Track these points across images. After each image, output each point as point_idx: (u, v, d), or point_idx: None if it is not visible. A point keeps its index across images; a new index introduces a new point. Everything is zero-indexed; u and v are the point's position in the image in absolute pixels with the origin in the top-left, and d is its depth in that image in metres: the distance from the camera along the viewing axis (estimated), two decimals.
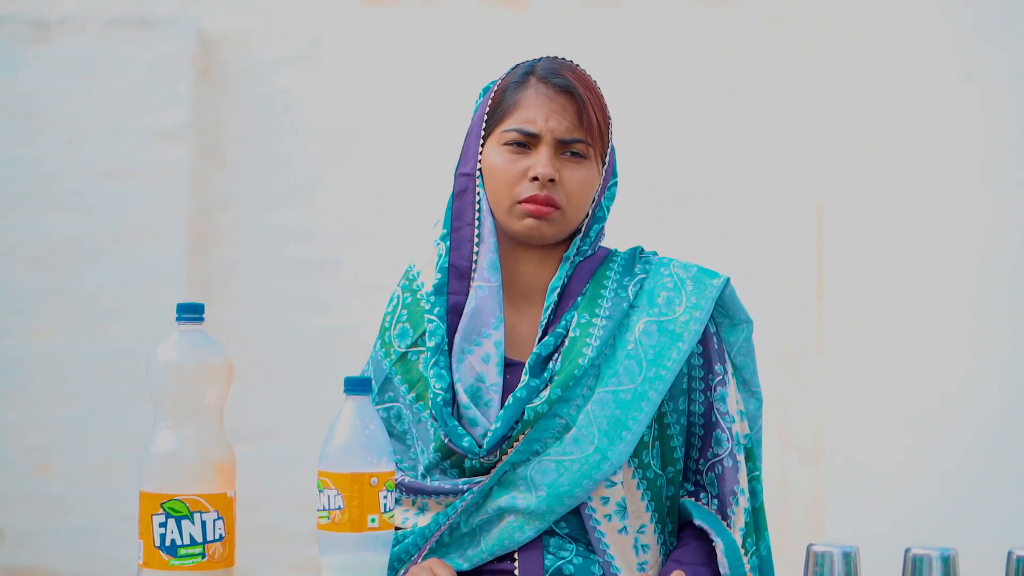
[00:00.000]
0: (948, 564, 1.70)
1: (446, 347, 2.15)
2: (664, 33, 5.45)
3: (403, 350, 2.23)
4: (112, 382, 5.34)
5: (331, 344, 5.42)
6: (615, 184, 2.24)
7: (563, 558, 2.11)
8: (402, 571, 2.14)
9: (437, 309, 2.17)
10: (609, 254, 2.25)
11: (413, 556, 2.14)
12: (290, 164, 5.55)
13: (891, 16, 5.15)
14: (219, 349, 1.87)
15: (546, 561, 2.10)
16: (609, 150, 2.21)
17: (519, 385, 2.12)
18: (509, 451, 2.10)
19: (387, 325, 2.27)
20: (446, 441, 2.12)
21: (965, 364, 5.02)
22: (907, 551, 1.72)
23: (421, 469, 2.19)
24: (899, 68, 5.15)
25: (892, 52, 5.14)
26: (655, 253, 2.28)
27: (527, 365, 2.13)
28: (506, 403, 2.11)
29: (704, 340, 2.19)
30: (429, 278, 2.21)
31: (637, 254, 2.26)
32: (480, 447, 2.10)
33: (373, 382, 2.26)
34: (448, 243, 2.20)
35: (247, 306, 5.51)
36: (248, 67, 5.58)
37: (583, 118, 2.14)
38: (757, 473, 2.24)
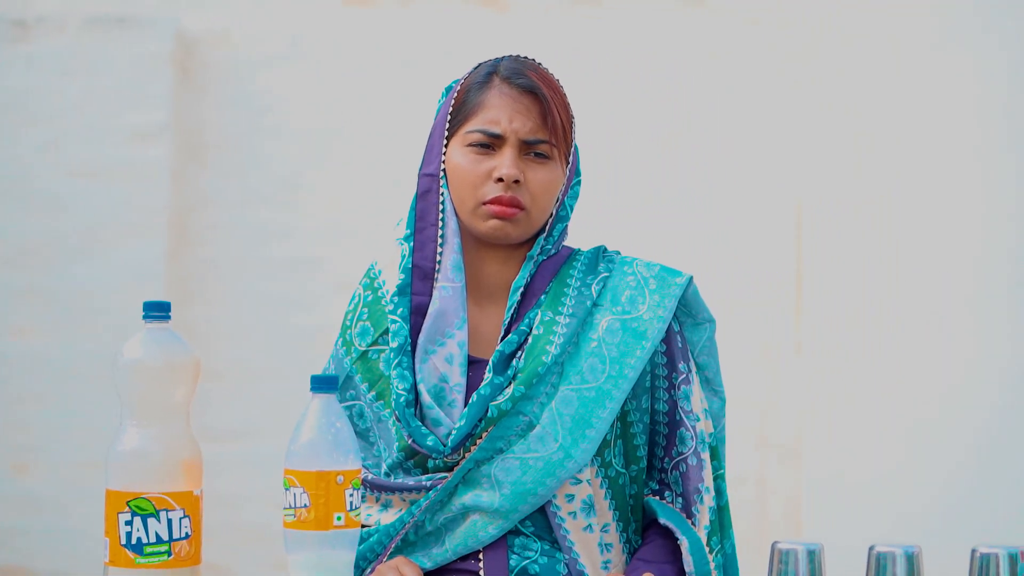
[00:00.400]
0: (912, 562, 1.70)
1: (409, 347, 2.16)
2: (646, 32, 5.45)
3: (364, 348, 2.23)
4: (90, 381, 5.33)
5: (311, 343, 5.40)
6: (578, 183, 2.25)
7: (528, 557, 2.11)
8: (368, 570, 2.14)
9: (400, 310, 2.18)
10: (572, 253, 2.26)
11: (379, 554, 2.14)
12: (270, 163, 5.54)
13: (888, 16, 5.16)
14: (186, 348, 1.87)
15: (511, 561, 2.10)
16: (572, 149, 2.21)
17: (483, 383, 2.12)
18: (472, 448, 2.11)
19: (348, 323, 2.28)
20: (409, 441, 2.12)
21: (949, 364, 5.02)
22: (871, 548, 1.72)
23: (384, 468, 2.19)
24: (893, 67, 5.16)
25: (887, 51, 5.14)
26: (618, 252, 2.28)
27: (491, 362, 2.14)
28: (470, 401, 2.11)
29: (667, 338, 2.20)
30: (392, 278, 2.22)
31: (600, 253, 2.27)
32: (444, 445, 2.10)
33: None
34: (411, 244, 2.20)
35: (227, 305, 5.50)
36: (228, 66, 5.57)
37: (547, 119, 2.14)
38: (721, 472, 2.24)
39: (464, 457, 2.11)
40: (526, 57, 2.22)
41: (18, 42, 5.47)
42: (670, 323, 2.19)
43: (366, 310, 2.25)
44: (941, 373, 5.01)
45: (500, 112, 2.15)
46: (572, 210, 2.24)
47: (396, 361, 2.15)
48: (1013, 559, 1.71)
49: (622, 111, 5.36)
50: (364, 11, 5.58)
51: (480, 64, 2.22)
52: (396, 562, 2.09)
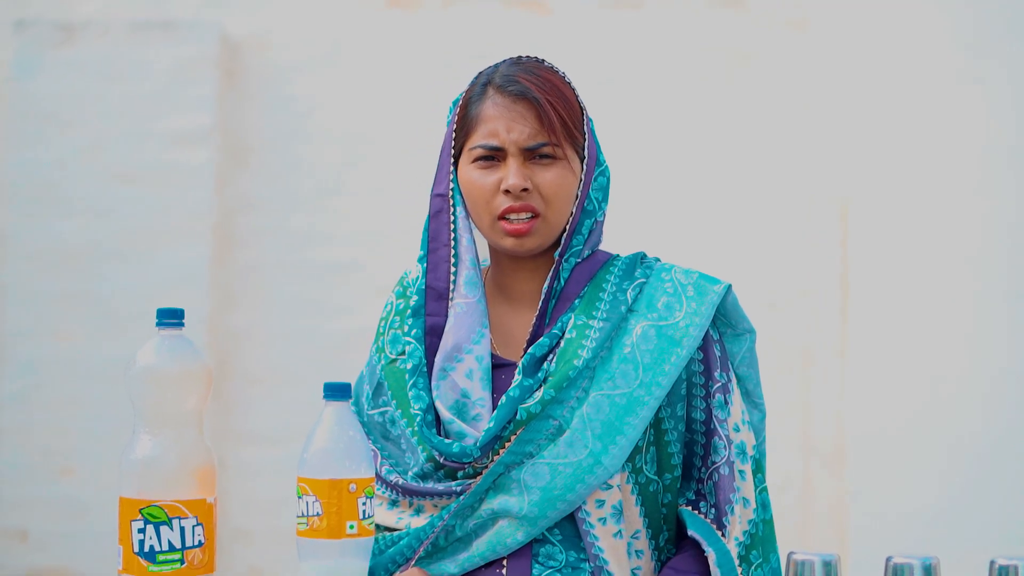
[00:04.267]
0: (930, 573, 1.67)
1: (424, 369, 2.15)
2: (687, 33, 5.43)
3: (393, 357, 2.22)
4: None
5: (350, 347, 5.41)
6: (602, 174, 2.21)
7: (552, 567, 2.08)
8: (396, 573, 2.13)
9: (414, 331, 2.18)
10: (610, 258, 2.23)
11: (408, 558, 2.12)
12: (311, 167, 5.55)
13: (908, 19, 5.12)
14: (198, 355, 1.86)
15: (534, 570, 2.08)
16: (588, 142, 2.18)
17: (512, 384, 2.11)
18: (501, 451, 2.09)
19: (381, 331, 2.28)
20: (437, 455, 2.10)
21: (996, 370, 4.97)
22: (888, 559, 1.69)
23: (411, 474, 2.18)
24: (939, 69, 5.11)
25: (932, 53, 5.11)
26: (657, 259, 2.25)
27: (520, 364, 2.12)
28: (500, 403, 2.09)
29: (705, 346, 2.16)
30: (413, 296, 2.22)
31: (639, 259, 2.23)
32: (472, 451, 2.08)
33: (367, 386, 2.26)
34: (424, 265, 2.20)
35: (267, 309, 5.52)
36: (271, 70, 5.58)
37: (543, 121, 2.12)
38: (764, 486, 2.20)
39: (493, 461, 2.10)
40: (521, 58, 2.19)
41: (63, 47, 5.50)
42: (708, 331, 2.16)
43: (397, 318, 2.25)
44: (988, 379, 4.96)
45: (497, 124, 2.13)
46: (602, 204, 2.21)
47: (411, 382, 2.15)
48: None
49: (663, 112, 5.33)
50: (405, 14, 5.58)
51: (480, 74, 2.21)
52: (411, 573, 2.07)
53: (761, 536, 2.14)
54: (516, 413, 2.08)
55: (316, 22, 5.61)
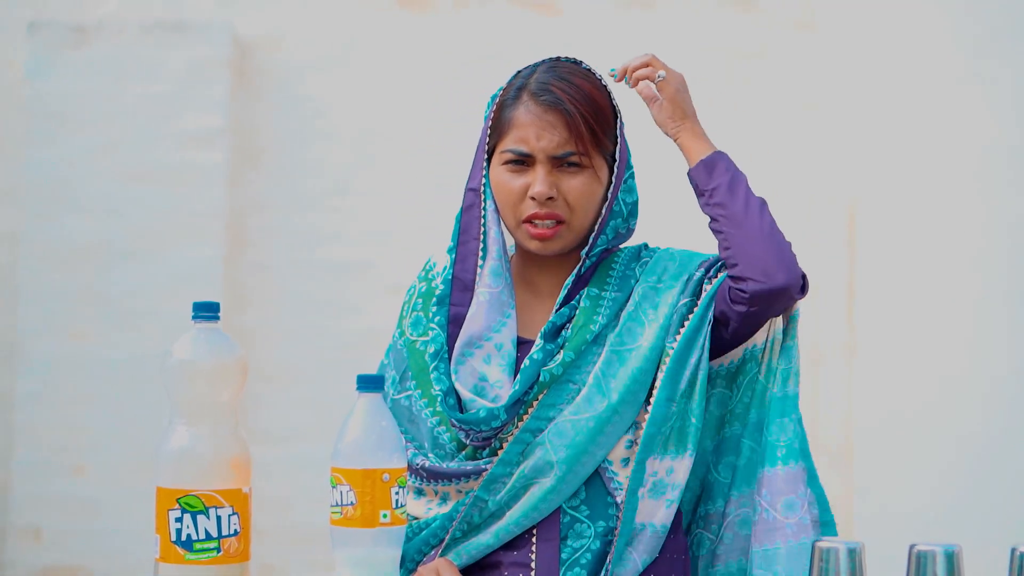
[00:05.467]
0: (952, 561, 1.71)
1: (445, 354, 2.23)
2: (698, 34, 5.45)
3: (413, 338, 2.29)
4: (146, 384, 5.37)
5: (361, 346, 5.43)
6: (631, 176, 2.28)
7: (582, 546, 2.14)
8: (427, 555, 2.18)
9: (438, 318, 2.26)
10: (617, 250, 2.33)
11: (441, 539, 2.18)
12: (323, 167, 5.57)
13: (914, 20, 5.14)
14: (234, 347, 1.89)
15: (563, 553, 2.14)
16: (618, 147, 2.24)
17: (534, 348, 2.20)
18: (525, 417, 2.16)
19: (403, 313, 2.35)
20: (459, 431, 2.16)
21: (1004, 369, 4.99)
22: (911, 547, 1.72)
23: (433, 458, 2.23)
24: (932, 70, 5.14)
25: (940, 55, 5.13)
26: (659, 246, 2.36)
27: (541, 331, 2.22)
28: (522, 366, 2.18)
29: (688, 285, 2.26)
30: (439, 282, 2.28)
31: (643, 247, 2.35)
32: (499, 413, 2.14)
33: (393, 371, 2.32)
34: (454, 256, 2.29)
35: (279, 308, 5.54)
36: (283, 71, 5.61)
37: (572, 131, 2.18)
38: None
39: (518, 428, 2.17)
40: (558, 61, 2.25)
41: (76, 47, 5.53)
42: (694, 274, 2.26)
43: (420, 301, 2.32)
44: (994, 376, 4.98)
45: (528, 131, 2.20)
46: (630, 205, 2.30)
47: (433, 366, 2.22)
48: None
49: None
50: (417, 15, 5.60)
51: (518, 73, 2.27)
52: (437, 564, 2.13)
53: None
54: (539, 376, 2.16)
55: (327, 23, 5.63)
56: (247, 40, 5.62)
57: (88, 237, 5.47)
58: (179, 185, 5.49)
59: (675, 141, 2.31)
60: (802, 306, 2.34)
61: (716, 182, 2.25)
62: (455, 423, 2.17)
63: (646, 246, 2.34)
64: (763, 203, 2.27)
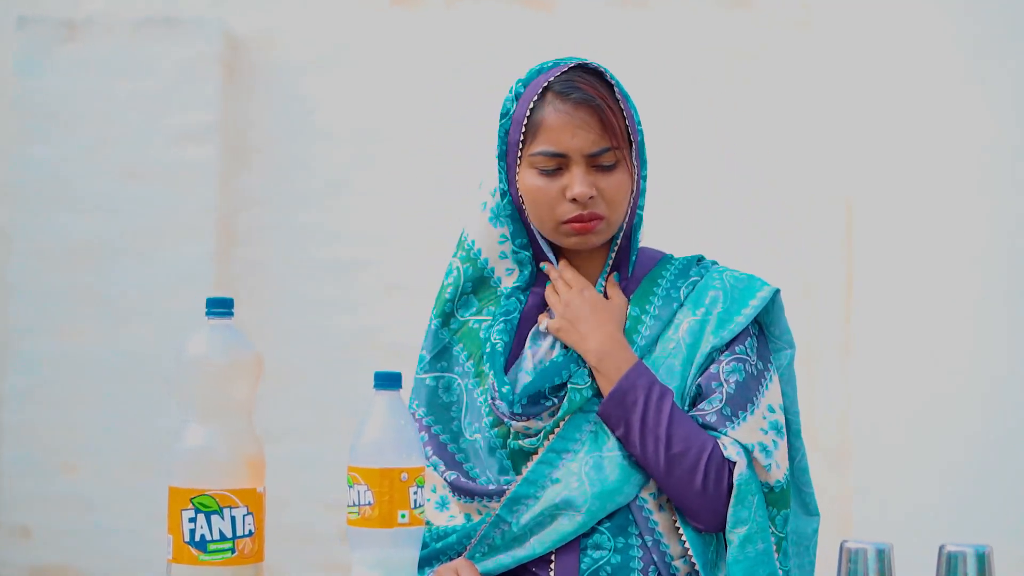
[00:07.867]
0: (983, 561, 1.69)
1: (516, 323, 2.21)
2: (692, 32, 5.44)
3: (466, 319, 2.25)
4: (137, 382, 5.36)
5: (356, 345, 5.42)
6: (645, 177, 2.24)
7: (601, 558, 2.10)
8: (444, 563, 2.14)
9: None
10: (664, 257, 2.27)
11: (459, 552, 2.15)
12: (316, 165, 5.55)
13: (911, 19, 5.13)
14: (248, 344, 1.86)
15: (583, 563, 2.10)
16: (638, 143, 2.20)
17: (555, 353, 2.17)
18: (552, 436, 2.12)
19: (448, 296, 2.27)
20: (493, 393, 2.13)
21: (1001, 366, 4.98)
22: (941, 547, 1.70)
23: (464, 440, 2.19)
24: (928, 69, 5.13)
25: (937, 53, 5.12)
26: (715, 263, 2.28)
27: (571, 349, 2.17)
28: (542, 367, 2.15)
29: (737, 338, 2.18)
30: (484, 246, 2.23)
31: (695, 261, 2.27)
32: (515, 397, 2.11)
33: (422, 351, 2.26)
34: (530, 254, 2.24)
35: (272, 307, 5.51)
36: (274, 68, 5.59)
37: (606, 126, 2.13)
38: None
39: (544, 446, 2.12)
40: (577, 61, 2.18)
41: (66, 43, 5.49)
42: (747, 328, 2.18)
43: (469, 283, 2.26)
44: (992, 375, 4.97)
45: (560, 132, 2.13)
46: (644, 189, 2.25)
47: (499, 328, 2.20)
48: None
49: (668, 111, 5.34)
50: (409, 13, 5.58)
51: (539, 71, 2.19)
52: (456, 564, 2.09)
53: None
54: (567, 392, 2.12)
55: (320, 20, 5.61)
56: (239, 37, 5.59)
57: (78, 234, 5.44)
58: (170, 182, 5.46)
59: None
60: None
61: (619, 432, 2.13)
62: (490, 377, 2.15)
63: (700, 259, 2.27)
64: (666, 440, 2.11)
